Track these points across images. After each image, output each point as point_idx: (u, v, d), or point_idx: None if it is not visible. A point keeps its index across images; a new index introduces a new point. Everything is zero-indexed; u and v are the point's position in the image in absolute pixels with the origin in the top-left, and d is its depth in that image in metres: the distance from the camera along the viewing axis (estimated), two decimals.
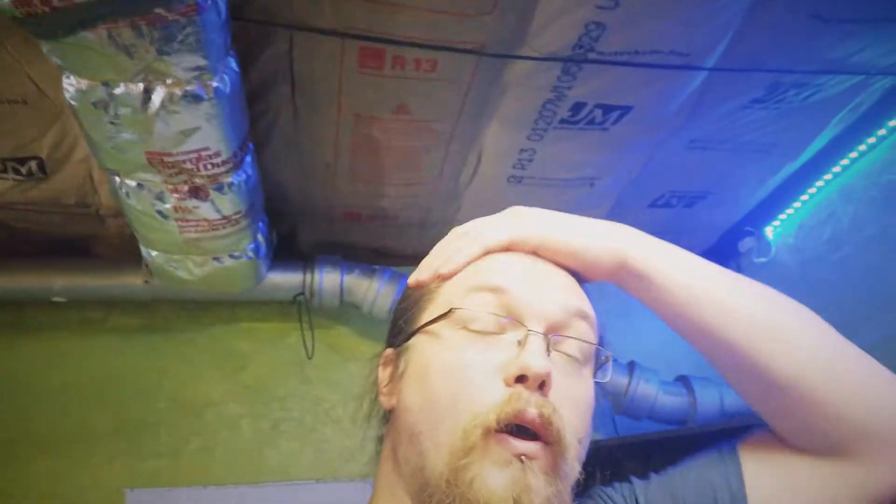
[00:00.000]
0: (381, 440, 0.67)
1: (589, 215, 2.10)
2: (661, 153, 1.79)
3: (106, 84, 1.06)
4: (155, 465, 1.83)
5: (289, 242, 2.03)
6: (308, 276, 1.92)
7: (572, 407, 0.55)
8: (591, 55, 1.35)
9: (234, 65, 1.18)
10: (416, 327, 0.61)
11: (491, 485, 0.49)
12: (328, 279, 1.93)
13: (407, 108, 1.51)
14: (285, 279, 1.92)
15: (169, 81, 1.08)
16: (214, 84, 1.12)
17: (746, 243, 2.28)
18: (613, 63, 1.37)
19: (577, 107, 1.53)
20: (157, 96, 1.09)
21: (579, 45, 1.32)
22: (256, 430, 1.93)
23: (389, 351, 0.66)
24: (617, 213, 2.05)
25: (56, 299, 1.79)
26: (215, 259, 1.62)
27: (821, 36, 1.41)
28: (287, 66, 1.38)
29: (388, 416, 0.65)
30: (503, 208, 2.02)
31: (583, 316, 0.60)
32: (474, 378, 0.54)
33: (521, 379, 0.53)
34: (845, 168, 1.88)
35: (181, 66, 1.05)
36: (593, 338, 0.61)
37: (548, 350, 0.55)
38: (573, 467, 0.53)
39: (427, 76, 1.39)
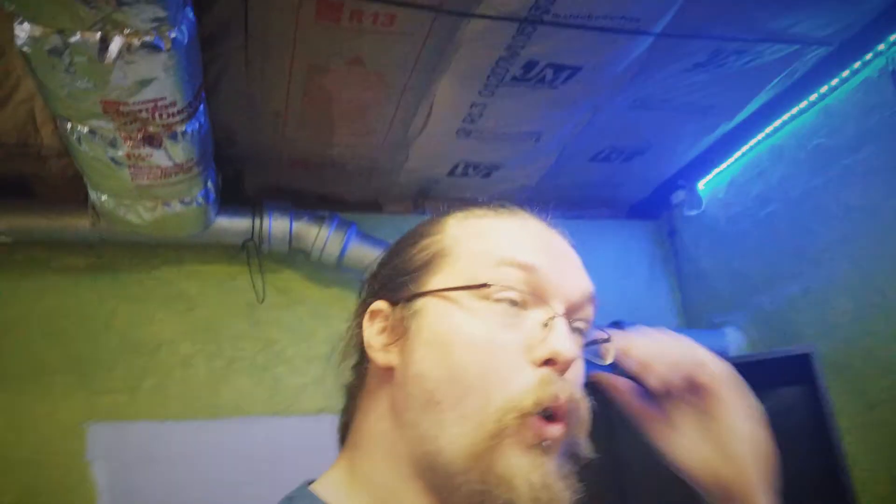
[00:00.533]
0: (355, 389, 0.64)
1: (533, 168, 2.17)
2: (605, 110, 1.85)
3: (61, 32, 1.04)
4: (112, 400, 1.86)
5: (234, 186, 2.03)
6: (256, 222, 1.93)
7: (581, 386, 0.57)
8: (547, 17, 1.38)
9: (191, 15, 1.17)
10: (431, 289, 0.58)
11: (515, 466, 0.51)
12: (277, 225, 1.95)
13: (361, 61, 1.52)
14: (233, 224, 1.93)
15: (127, 31, 1.07)
16: (173, 35, 1.11)
17: (679, 196, 2.40)
18: (568, 26, 1.41)
19: (529, 65, 1.57)
20: (115, 46, 1.08)
21: (536, 7, 1.35)
22: (210, 369, 1.97)
23: (382, 304, 0.61)
24: (559, 165, 2.12)
25: (0, 240, 1.76)
26: (166, 204, 1.62)
27: (764, 6, 1.48)
28: (242, 14, 1.37)
29: (375, 371, 0.62)
30: (450, 160, 2.06)
31: (593, 299, 0.61)
32: (504, 356, 0.54)
33: (548, 362, 0.53)
34: (777, 129, 1.99)
35: (141, 16, 1.04)
36: (592, 318, 0.62)
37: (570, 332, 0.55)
38: (585, 446, 0.56)
39: (384, 30, 1.40)
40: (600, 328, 0.63)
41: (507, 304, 0.55)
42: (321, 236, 1.95)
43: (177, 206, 1.64)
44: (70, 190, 1.83)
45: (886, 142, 1.65)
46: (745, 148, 2.12)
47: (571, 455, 0.55)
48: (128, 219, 1.63)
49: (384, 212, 2.29)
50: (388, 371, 0.59)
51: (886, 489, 1.64)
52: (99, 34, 1.05)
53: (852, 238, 1.76)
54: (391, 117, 1.75)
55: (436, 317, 0.57)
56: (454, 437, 0.52)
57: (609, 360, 0.63)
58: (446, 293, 0.57)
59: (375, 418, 0.60)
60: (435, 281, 0.59)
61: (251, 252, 1.98)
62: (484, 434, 0.51)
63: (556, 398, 0.52)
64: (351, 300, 2.39)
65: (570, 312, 0.58)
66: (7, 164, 1.77)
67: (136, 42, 1.07)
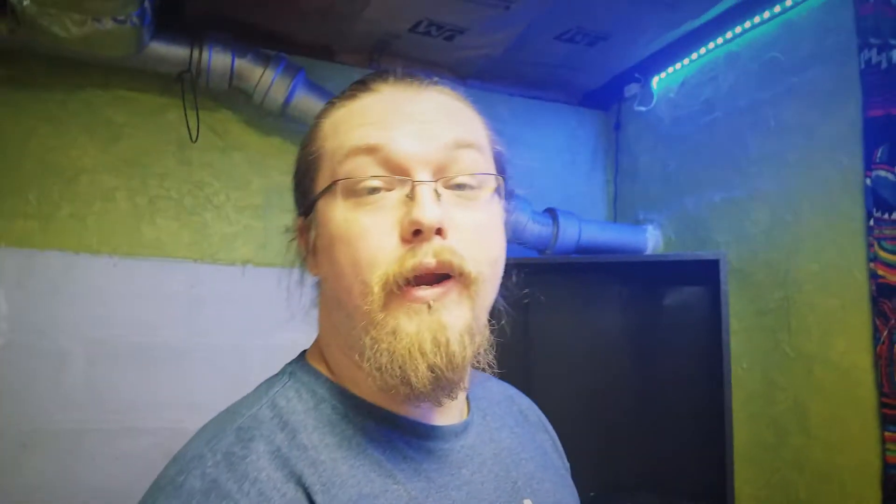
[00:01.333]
0: (317, 300, 0.69)
1: (498, 36, 2.09)
2: None
3: None
4: (23, 226, 1.75)
5: (173, 10, 1.85)
6: (195, 53, 1.79)
7: (476, 236, 0.58)
8: None
9: None
10: (313, 198, 0.62)
11: (409, 331, 0.54)
12: (218, 59, 1.81)
13: None
14: (170, 52, 1.78)
15: None
16: None
17: (632, 89, 2.39)
18: None
19: None
20: None
21: None
22: (133, 205, 1.87)
23: (300, 220, 0.66)
24: (524, 39, 2.06)
25: None
26: (96, 20, 1.47)
27: None
28: None
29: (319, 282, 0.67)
30: (414, 14, 1.96)
31: (466, 145, 0.60)
32: (370, 242, 0.56)
33: (417, 233, 0.55)
34: (737, 36, 1.98)
35: None
36: (483, 163, 0.61)
37: (437, 195, 0.56)
38: (485, 290, 0.58)
39: None
40: (499, 168, 0.65)
41: (370, 190, 0.57)
42: (266, 78, 1.84)
43: (108, 23, 1.49)
44: None
45: (834, 66, 1.67)
46: (703, 50, 2.10)
47: (471, 299, 0.57)
48: (52, 30, 1.47)
49: (336, 60, 2.16)
50: (321, 281, 0.65)
51: (756, 385, 1.83)
52: None
53: (781, 155, 1.82)
54: None
55: (320, 223, 0.60)
56: (358, 325, 0.56)
57: (502, 202, 0.65)
58: (322, 197, 0.60)
59: (322, 321, 0.67)
60: (316, 186, 0.61)
61: (186, 85, 1.85)
62: (372, 314, 0.55)
63: (418, 267, 0.54)
64: (294, 153, 2.35)
65: (441, 171, 0.58)
66: None
67: None
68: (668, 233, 2.27)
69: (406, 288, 0.55)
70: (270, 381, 0.63)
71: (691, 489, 1.85)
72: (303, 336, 0.74)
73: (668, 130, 2.27)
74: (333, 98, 0.65)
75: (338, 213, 0.58)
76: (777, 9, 1.82)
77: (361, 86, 0.63)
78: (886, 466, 1.47)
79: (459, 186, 0.59)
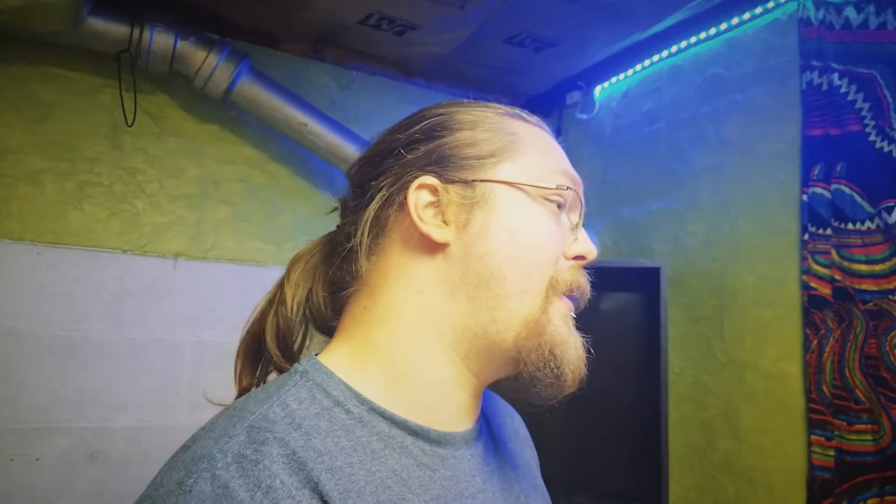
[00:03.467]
0: (367, 264, 0.65)
1: (450, 36, 2.07)
2: None
3: None
4: None
5: None
6: (136, 32, 1.69)
7: None
8: None
9: None
10: (506, 179, 0.63)
11: (562, 329, 0.63)
12: (160, 40, 1.72)
13: None
14: (108, 29, 1.67)
15: None
16: None
17: (574, 96, 2.43)
18: None
19: None
20: None
21: None
22: (60, 190, 1.75)
23: (433, 179, 0.63)
24: (473, 41, 2.05)
25: None
26: None
27: None
28: None
29: (410, 245, 0.64)
30: (367, 6, 1.91)
31: None
32: (555, 245, 0.64)
33: (577, 257, 0.65)
34: (682, 50, 2.05)
35: None
36: None
37: None
38: None
39: None
40: None
41: (555, 205, 0.64)
42: (209, 63, 1.76)
43: None
44: None
45: (776, 85, 1.74)
46: (647, 62, 2.16)
47: None
48: None
49: (278, 48, 2.09)
50: (436, 247, 0.62)
51: (687, 389, 1.89)
52: None
53: (720, 169, 1.88)
54: None
55: (506, 204, 0.63)
56: (517, 306, 0.61)
57: None
58: (516, 185, 0.63)
59: (414, 292, 0.63)
60: (502, 172, 0.64)
61: (124, 65, 1.74)
62: (539, 303, 0.62)
63: (584, 286, 0.65)
64: (232, 142, 2.25)
65: None
66: None
67: None
68: (604, 240, 2.31)
69: (566, 296, 0.64)
70: (280, 380, 0.60)
71: (625, 490, 1.89)
72: (234, 334, 0.70)
73: (609, 139, 2.32)
74: (507, 107, 0.69)
75: (537, 206, 0.64)
76: (723, 26, 1.89)
77: (523, 114, 0.69)
78: (812, 468, 1.55)
79: None
